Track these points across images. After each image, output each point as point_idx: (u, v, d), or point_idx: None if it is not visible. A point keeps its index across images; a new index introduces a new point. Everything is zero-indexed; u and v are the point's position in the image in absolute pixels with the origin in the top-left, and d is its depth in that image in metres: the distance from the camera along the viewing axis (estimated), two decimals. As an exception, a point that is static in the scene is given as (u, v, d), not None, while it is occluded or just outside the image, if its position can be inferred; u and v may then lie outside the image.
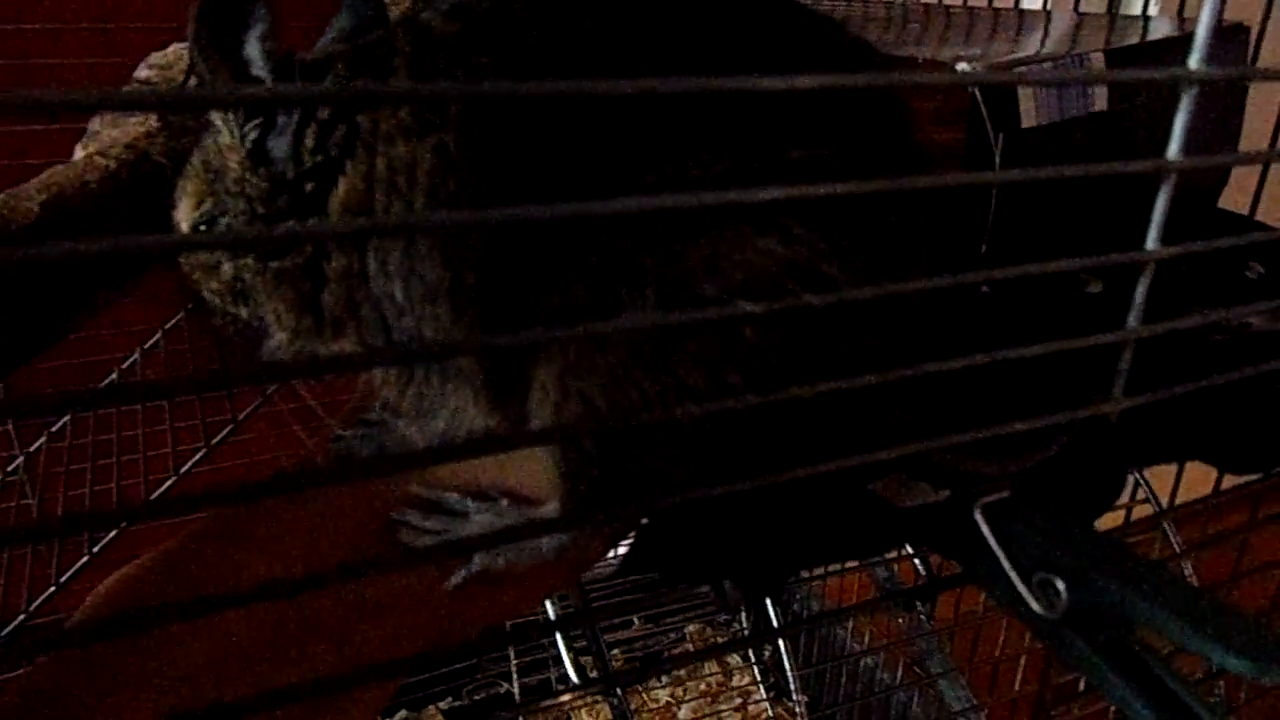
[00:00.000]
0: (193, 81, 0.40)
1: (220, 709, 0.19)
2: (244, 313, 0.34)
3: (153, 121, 0.39)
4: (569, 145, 0.29)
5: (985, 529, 0.27)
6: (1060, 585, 0.26)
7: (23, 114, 0.16)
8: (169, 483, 0.66)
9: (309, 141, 0.31)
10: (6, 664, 0.19)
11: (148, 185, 0.39)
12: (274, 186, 0.32)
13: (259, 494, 0.19)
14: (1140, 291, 0.29)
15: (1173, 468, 0.68)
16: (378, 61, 0.31)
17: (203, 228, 0.33)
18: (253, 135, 0.32)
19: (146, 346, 0.77)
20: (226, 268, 0.33)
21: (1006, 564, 0.27)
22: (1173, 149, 0.27)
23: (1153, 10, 0.60)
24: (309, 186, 0.31)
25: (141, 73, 0.41)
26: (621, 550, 0.39)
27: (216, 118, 0.33)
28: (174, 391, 0.19)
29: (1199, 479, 0.59)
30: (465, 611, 0.34)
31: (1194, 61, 0.26)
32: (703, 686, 1.24)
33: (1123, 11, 0.63)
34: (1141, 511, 0.75)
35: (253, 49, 0.30)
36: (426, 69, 0.31)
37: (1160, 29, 0.53)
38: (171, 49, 0.42)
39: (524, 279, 0.30)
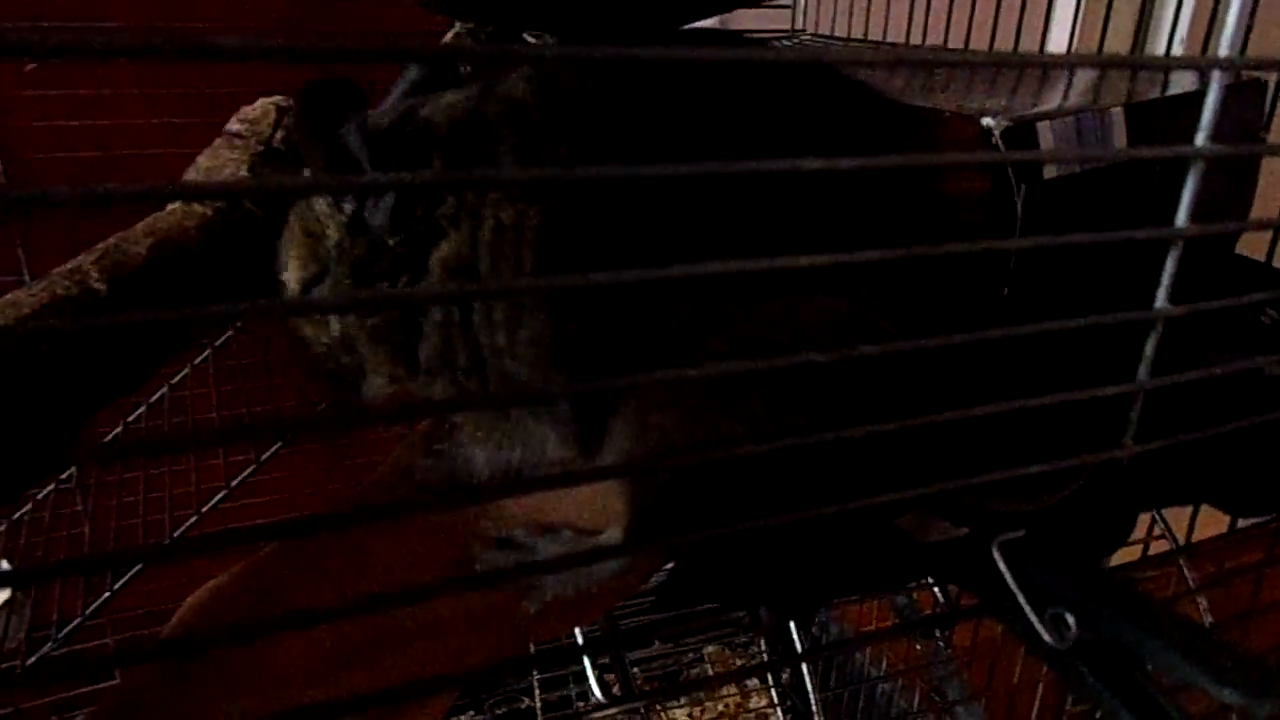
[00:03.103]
0: (279, 135, 0.43)
1: (305, 711, 0.21)
2: (349, 361, 0.36)
3: (243, 170, 0.42)
4: (666, 212, 0.32)
5: (1003, 565, 0.29)
6: (1070, 620, 0.28)
7: (114, 205, 0.17)
8: (220, 495, 0.69)
9: (417, 212, 0.33)
10: (95, 676, 0.21)
11: (241, 230, 0.41)
12: (373, 251, 0.34)
13: (336, 525, 0.21)
14: (1150, 346, 0.31)
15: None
16: (479, 142, 0.33)
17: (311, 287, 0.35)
18: (349, 208, 0.34)
19: (197, 363, 0.80)
20: (335, 324, 0.36)
21: (1021, 599, 0.29)
22: (1181, 217, 0.29)
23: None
24: (407, 250, 0.33)
25: (233, 126, 0.44)
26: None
27: None
28: (272, 435, 0.21)
29: (1215, 514, 0.61)
30: (522, 630, 0.37)
31: (1200, 139, 0.28)
32: (720, 708, 1.26)
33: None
34: (1159, 547, 0.76)
35: (351, 135, 0.31)
36: (529, 149, 0.33)
37: (1181, 82, 0.55)
38: (259, 104, 0.45)
39: (622, 325, 0.32)
